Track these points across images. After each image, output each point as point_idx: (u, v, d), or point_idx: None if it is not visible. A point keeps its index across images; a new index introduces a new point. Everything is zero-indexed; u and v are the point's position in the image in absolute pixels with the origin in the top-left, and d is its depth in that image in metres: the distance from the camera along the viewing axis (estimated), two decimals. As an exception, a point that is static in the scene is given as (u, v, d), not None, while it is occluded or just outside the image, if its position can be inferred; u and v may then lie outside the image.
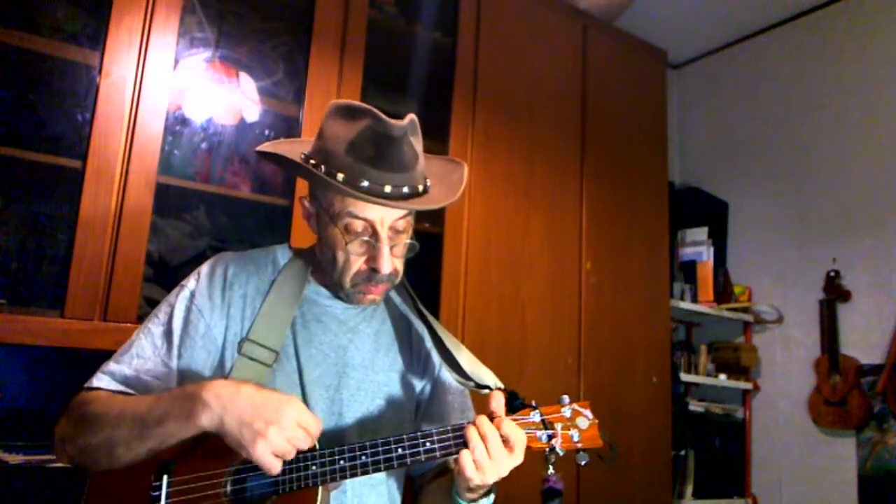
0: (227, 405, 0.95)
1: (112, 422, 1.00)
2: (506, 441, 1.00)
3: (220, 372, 1.11)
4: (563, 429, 1.05)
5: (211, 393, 0.96)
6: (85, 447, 1.03)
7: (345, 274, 1.12)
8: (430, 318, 1.24)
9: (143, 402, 1.01)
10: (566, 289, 2.51)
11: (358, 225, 1.09)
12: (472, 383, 1.17)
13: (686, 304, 3.06)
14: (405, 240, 1.14)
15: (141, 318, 1.66)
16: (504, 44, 2.50)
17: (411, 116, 1.10)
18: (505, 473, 1.01)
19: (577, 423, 1.06)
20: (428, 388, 1.28)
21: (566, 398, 1.08)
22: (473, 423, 1.01)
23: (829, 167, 3.05)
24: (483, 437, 0.99)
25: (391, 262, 1.11)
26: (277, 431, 0.94)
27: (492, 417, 1.03)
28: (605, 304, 2.60)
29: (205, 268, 1.18)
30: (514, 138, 2.46)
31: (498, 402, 1.05)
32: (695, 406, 3.10)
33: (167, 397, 1.00)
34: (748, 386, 3.15)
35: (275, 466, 0.94)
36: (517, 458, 1.02)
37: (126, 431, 0.99)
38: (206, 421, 0.95)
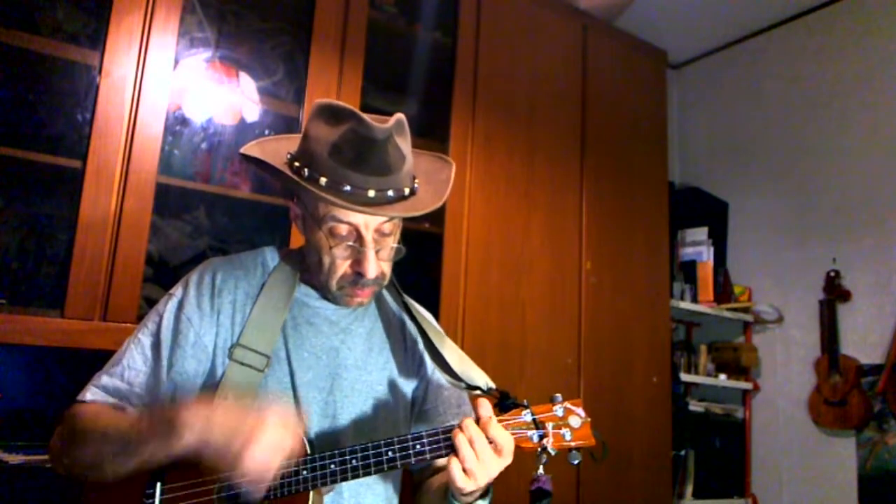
0: (207, 425, 0.93)
1: (98, 438, 1.00)
2: (493, 444, 0.99)
3: (212, 379, 1.11)
4: (554, 428, 1.04)
5: (191, 411, 0.94)
6: (75, 461, 1.04)
7: (331, 277, 1.12)
8: (417, 314, 1.23)
9: (127, 420, 1.00)
10: (566, 289, 2.51)
11: (342, 229, 1.08)
12: (462, 384, 1.16)
13: (686, 304, 3.06)
14: (392, 242, 1.12)
15: (141, 319, 1.66)
16: (504, 44, 2.50)
17: (398, 116, 1.08)
18: (494, 475, 1.00)
19: (569, 422, 1.05)
20: (423, 385, 1.27)
21: (559, 396, 1.07)
22: (460, 428, 1.00)
23: (829, 167, 3.05)
24: (471, 443, 0.98)
25: (377, 265, 1.10)
26: (259, 447, 0.91)
27: (479, 421, 1.02)
28: (605, 304, 2.60)
29: (193, 275, 1.17)
30: (514, 138, 2.46)
31: (486, 409, 1.04)
32: (695, 406, 3.10)
33: (149, 416, 0.99)
34: (748, 386, 3.15)
35: (267, 473, 0.92)
36: (506, 460, 1.01)
37: (111, 449, 0.98)
38: (190, 439, 0.92)
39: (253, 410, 0.96)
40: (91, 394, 1.08)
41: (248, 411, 0.95)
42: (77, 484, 1.07)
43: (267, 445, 0.92)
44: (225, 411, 0.95)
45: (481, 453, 0.98)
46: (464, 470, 0.98)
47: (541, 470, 1.04)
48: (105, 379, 1.09)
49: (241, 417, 0.94)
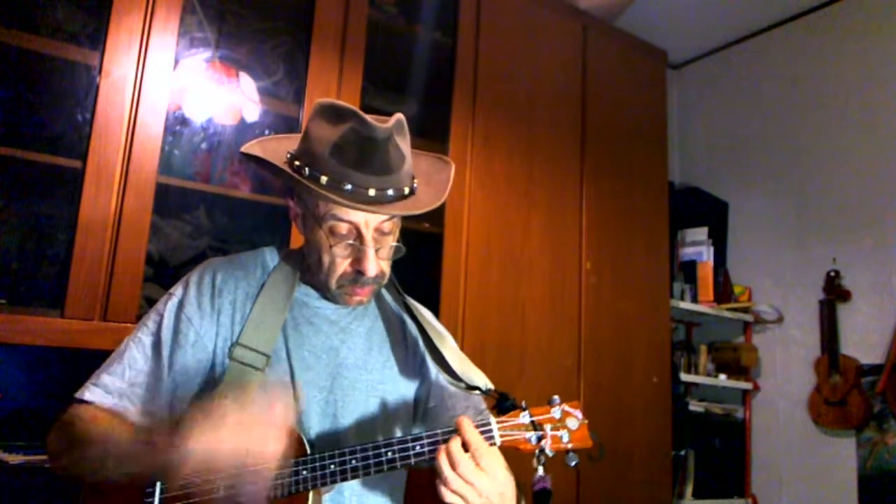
0: (190, 448, 0.91)
1: (90, 450, 1.01)
2: (469, 451, 0.98)
3: (212, 379, 1.11)
4: (552, 430, 1.04)
5: (172, 447, 0.92)
6: (72, 463, 1.05)
7: (330, 276, 1.12)
8: (417, 314, 1.23)
9: (119, 435, 1.00)
10: (566, 289, 2.51)
11: (342, 227, 1.09)
12: (462, 384, 1.17)
13: (686, 304, 3.06)
14: (391, 241, 1.13)
15: (141, 319, 1.66)
16: (504, 44, 2.50)
17: (398, 117, 1.09)
18: (491, 494, 0.97)
19: (566, 424, 1.05)
20: (426, 383, 1.27)
21: (556, 398, 1.07)
22: (445, 450, 0.98)
23: (829, 167, 3.05)
24: (450, 460, 0.97)
25: (377, 264, 1.11)
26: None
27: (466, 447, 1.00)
28: (605, 304, 2.60)
29: (193, 275, 1.18)
30: (514, 138, 2.46)
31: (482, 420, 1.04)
32: (695, 406, 3.10)
33: (137, 438, 0.99)
34: (748, 386, 3.15)
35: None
36: (492, 471, 0.98)
37: (102, 459, 1.00)
38: (171, 465, 0.92)
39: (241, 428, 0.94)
40: (90, 392, 1.08)
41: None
42: (76, 483, 1.07)
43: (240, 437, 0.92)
44: (206, 434, 0.93)
45: (465, 473, 0.97)
46: (450, 491, 0.97)
47: (540, 471, 1.04)
48: (105, 377, 1.09)
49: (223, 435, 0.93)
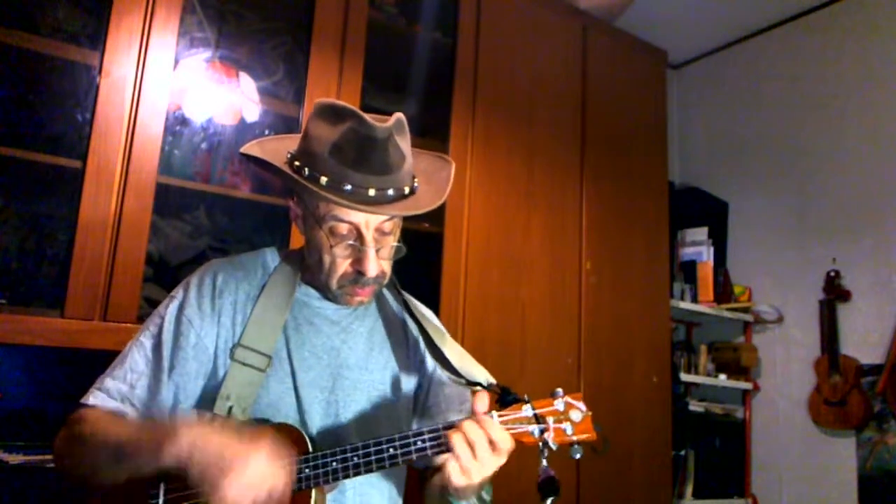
0: (197, 444, 0.92)
1: (96, 446, 1.01)
2: (492, 444, 0.99)
3: (214, 380, 1.11)
4: (555, 422, 1.04)
5: (185, 430, 0.94)
6: (75, 465, 1.05)
7: (331, 276, 1.12)
8: (416, 312, 1.23)
9: (125, 430, 1.00)
10: (566, 289, 2.51)
11: (343, 228, 1.09)
12: (463, 380, 1.16)
13: (686, 304, 3.06)
14: (392, 241, 1.13)
15: (141, 319, 1.66)
16: (504, 44, 2.50)
17: (397, 116, 1.09)
18: (489, 474, 1.00)
19: (570, 416, 1.04)
20: (425, 382, 1.27)
21: (560, 391, 1.06)
22: (460, 429, 0.99)
23: (829, 167, 3.05)
24: (468, 442, 0.98)
25: (377, 264, 1.10)
26: (239, 479, 0.90)
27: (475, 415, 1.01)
28: (605, 304, 2.60)
29: (194, 278, 1.18)
30: (514, 138, 2.46)
31: (482, 403, 1.04)
32: (695, 406, 3.10)
33: (146, 428, 1.00)
34: (748, 386, 3.15)
35: None
36: (502, 458, 1.00)
37: (105, 457, 0.99)
38: (173, 453, 0.92)
39: (245, 437, 0.94)
40: (94, 397, 1.08)
41: (240, 438, 0.94)
42: (80, 485, 1.07)
43: (246, 480, 0.91)
44: (215, 435, 0.94)
45: (479, 452, 0.98)
46: (461, 469, 0.98)
47: (544, 463, 1.03)
48: (108, 381, 1.10)
49: (230, 444, 0.93)
